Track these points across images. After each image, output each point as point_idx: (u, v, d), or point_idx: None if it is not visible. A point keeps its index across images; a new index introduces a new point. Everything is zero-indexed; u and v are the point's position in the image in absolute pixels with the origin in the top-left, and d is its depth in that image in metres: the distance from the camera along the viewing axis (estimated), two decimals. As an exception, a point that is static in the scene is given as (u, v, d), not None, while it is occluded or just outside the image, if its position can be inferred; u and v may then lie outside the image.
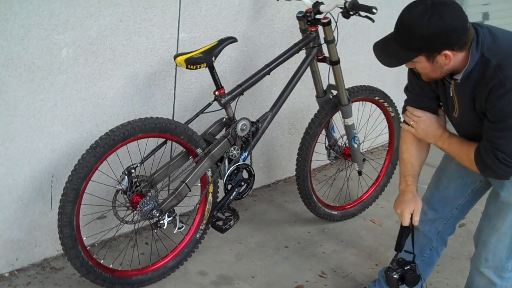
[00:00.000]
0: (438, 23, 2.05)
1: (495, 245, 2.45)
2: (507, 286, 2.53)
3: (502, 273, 2.49)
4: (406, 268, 2.58)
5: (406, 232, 2.57)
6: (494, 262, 2.48)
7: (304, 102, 3.94)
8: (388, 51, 2.23)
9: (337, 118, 3.49)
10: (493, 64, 2.12)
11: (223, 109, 2.97)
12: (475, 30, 2.15)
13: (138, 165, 2.77)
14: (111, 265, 2.91)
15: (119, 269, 2.92)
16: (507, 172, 2.23)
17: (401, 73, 2.63)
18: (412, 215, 2.53)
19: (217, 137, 3.01)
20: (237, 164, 3.03)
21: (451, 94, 2.31)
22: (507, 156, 2.17)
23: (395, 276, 2.56)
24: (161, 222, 2.84)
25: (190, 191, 2.89)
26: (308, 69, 3.29)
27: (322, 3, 3.14)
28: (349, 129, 3.45)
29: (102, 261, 2.87)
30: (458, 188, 2.62)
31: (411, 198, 2.55)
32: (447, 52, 2.11)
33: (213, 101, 2.96)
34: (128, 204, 2.79)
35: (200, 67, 2.77)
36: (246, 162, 3.09)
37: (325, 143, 3.56)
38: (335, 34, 3.21)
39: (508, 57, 2.13)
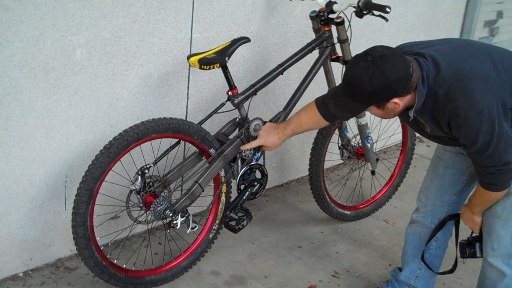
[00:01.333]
0: (380, 78, 2.12)
1: (498, 233, 2.49)
2: None
3: (510, 261, 2.53)
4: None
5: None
6: (500, 250, 2.51)
7: (317, 102, 3.93)
8: (341, 104, 2.35)
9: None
10: (441, 95, 2.20)
11: (236, 109, 2.97)
12: (419, 65, 2.20)
13: (152, 165, 2.78)
14: (124, 265, 2.92)
15: (133, 269, 2.93)
16: (508, 175, 2.33)
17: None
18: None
19: (230, 137, 3.01)
20: (250, 164, 3.03)
21: (410, 120, 2.37)
22: (497, 164, 2.27)
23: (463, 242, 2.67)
24: (174, 222, 2.85)
25: (203, 191, 2.89)
26: (321, 69, 3.29)
27: (335, 2, 3.14)
28: (362, 128, 3.44)
29: (115, 261, 2.88)
30: (455, 174, 2.69)
31: (275, 126, 2.91)
32: (395, 100, 2.19)
33: (226, 101, 2.96)
34: (141, 204, 2.79)
35: (213, 67, 2.77)
36: (259, 162, 3.08)
37: (338, 143, 3.56)
38: (348, 33, 3.21)
39: (453, 85, 2.19)
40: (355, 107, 2.29)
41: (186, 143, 3.03)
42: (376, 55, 2.14)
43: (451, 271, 2.81)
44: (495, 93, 2.18)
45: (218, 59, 2.78)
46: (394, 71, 2.13)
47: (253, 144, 2.96)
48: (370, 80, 2.13)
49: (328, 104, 2.61)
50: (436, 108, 2.23)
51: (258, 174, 3.10)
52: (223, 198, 3.06)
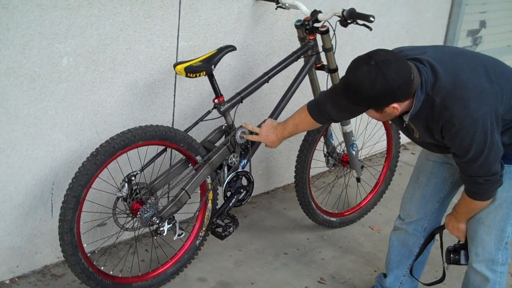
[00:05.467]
0: (382, 83, 2.10)
1: (482, 238, 2.53)
2: (501, 281, 2.59)
3: (494, 266, 2.56)
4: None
5: None
6: (484, 255, 2.55)
7: (302, 110, 3.96)
8: (339, 105, 2.34)
9: (335, 125, 3.51)
10: (438, 102, 2.20)
11: (223, 117, 2.99)
12: (418, 71, 2.20)
13: (138, 172, 2.79)
14: (111, 272, 2.92)
15: (119, 275, 2.94)
16: (494, 186, 2.36)
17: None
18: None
19: (217, 144, 3.03)
20: (236, 171, 3.05)
21: (404, 125, 2.39)
22: (485, 174, 2.30)
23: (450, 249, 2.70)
24: (161, 229, 2.86)
25: (189, 198, 2.91)
26: (307, 77, 3.32)
27: (320, 11, 3.17)
28: (347, 136, 3.47)
29: (102, 267, 2.88)
30: (438, 183, 2.71)
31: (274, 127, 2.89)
32: (394, 104, 2.18)
33: (212, 109, 2.98)
34: (128, 211, 2.80)
35: (199, 75, 2.80)
36: (245, 169, 3.11)
37: (323, 151, 3.58)
38: (333, 42, 3.24)
39: (450, 94, 2.20)
40: (353, 109, 2.27)
41: (173, 150, 3.05)
42: (380, 60, 2.11)
43: (440, 280, 2.85)
44: (489, 104, 2.20)
45: (204, 67, 2.81)
46: (396, 77, 2.10)
47: (254, 138, 2.99)
48: (372, 85, 2.10)
49: (325, 104, 2.57)
50: (431, 115, 2.24)
51: (244, 181, 3.12)
52: (209, 205, 3.08)
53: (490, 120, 2.19)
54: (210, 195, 3.05)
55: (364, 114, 2.33)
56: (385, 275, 2.97)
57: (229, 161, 3.02)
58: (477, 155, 2.22)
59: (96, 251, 3.14)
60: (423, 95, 2.21)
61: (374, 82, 2.10)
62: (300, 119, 2.77)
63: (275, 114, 3.19)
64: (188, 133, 2.89)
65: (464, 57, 2.35)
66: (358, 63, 2.16)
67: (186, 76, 2.78)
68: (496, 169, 2.29)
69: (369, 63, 2.12)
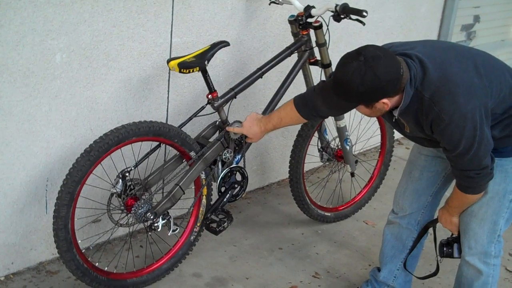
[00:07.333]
0: (372, 79, 2.11)
1: (475, 231, 2.55)
2: (494, 274, 2.61)
3: (487, 259, 2.57)
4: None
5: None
6: (477, 248, 2.56)
7: (296, 105, 3.96)
8: (329, 102, 2.36)
9: (329, 120, 3.52)
10: (427, 97, 2.21)
11: (216, 113, 3.00)
12: (407, 66, 2.21)
13: (132, 168, 2.79)
14: (106, 268, 2.93)
15: (114, 271, 2.94)
16: (485, 179, 2.38)
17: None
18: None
19: (211, 140, 3.03)
20: (230, 167, 3.06)
21: (394, 120, 2.40)
22: (475, 168, 2.32)
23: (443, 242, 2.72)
24: (156, 224, 2.86)
25: (184, 193, 2.92)
26: (300, 72, 3.33)
27: (313, 6, 3.18)
28: (341, 131, 3.48)
29: (97, 264, 2.89)
30: (431, 177, 2.73)
31: (258, 119, 2.87)
32: (384, 100, 2.19)
33: (206, 104, 2.98)
34: (122, 207, 2.81)
35: (193, 71, 2.80)
36: (239, 164, 3.11)
37: (317, 146, 3.59)
38: (326, 37, 3.25)
39: (439, 89, 2.20)
40: (344, 106, 2.28)
41: (167, 146, 3.05)
42: (369, 55, 2.11)
43: (434, 274, 2.86)
44: (478, 99, 2.21)
45: (198, 62, 2.81)
46: (386, 73, 2.11)
47: (236, 130, 2.96)
48: (361, 81, 2.10)
49: (314, 100, 2.57)
50: (421, 110, 2.25)
51: (238, 177, 3.13)
52: (204, 200, 3.08)
53: (479, 115, 2.20)
54: (205, 191, 3.06)
55: (356, 109, 2.33)
56: (379, 269, 2.98)
57: (223, 157, 3.02)
58: (466, 149, 2.24)
59: (91, 247, 3.15)
60: (412, 90, 2.22)
61: (364, 78, 2.10)
62: (285, 113, 2.76)
63: (268, 109, 3.20)
64: (182, 129, 2.90)
65: (453, 51, 2.35)
66: (348, 59, 2.17)
67: (180, 72, 2.78)
68: (487, 163, 2.30)
69: (359, 59, 2.12)
